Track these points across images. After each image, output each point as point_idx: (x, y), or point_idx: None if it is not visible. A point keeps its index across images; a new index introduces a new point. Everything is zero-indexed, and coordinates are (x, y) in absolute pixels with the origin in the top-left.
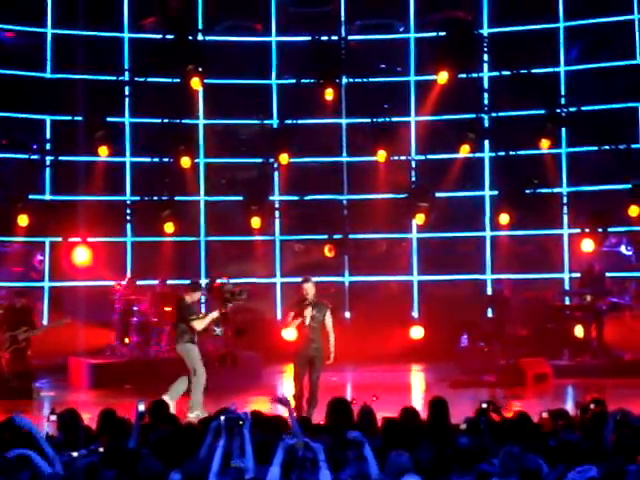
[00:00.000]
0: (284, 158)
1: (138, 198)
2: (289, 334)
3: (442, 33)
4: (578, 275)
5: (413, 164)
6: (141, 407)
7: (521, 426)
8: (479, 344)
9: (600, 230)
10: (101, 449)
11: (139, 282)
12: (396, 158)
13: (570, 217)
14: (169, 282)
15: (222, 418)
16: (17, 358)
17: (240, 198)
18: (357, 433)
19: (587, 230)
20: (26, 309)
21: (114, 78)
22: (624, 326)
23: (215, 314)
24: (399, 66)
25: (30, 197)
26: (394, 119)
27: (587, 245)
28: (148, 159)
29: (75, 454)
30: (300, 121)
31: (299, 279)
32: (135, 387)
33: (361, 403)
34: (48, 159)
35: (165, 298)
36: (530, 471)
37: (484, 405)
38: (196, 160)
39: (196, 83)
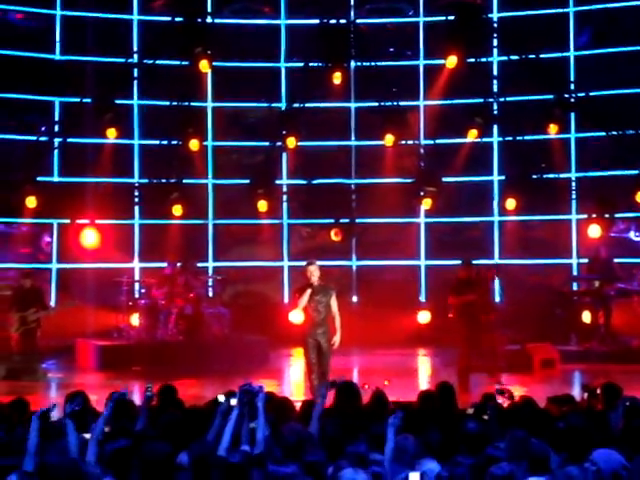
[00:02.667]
0: (292, 142)
1: (146, 180)
2: (296, 317)
3: (451, 17)
4: (586, 261)
5: (421, 149)
6: (149, 390)
7: (527, 411)
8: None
9: (608, 216)
10: (106, 429)
11: (147, 265)
12: (404, 142)
13: (578, 202)
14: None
15: (237, 392)
16: (26, 339)
17: (247, 181)
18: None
19: (595, 216)
20: (35, 289)
21: (123, 60)
22: (632, 312)
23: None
24: (408, 50)
25: (38, 179)
26: (402, 103)
27: (594, 231)
28: (156, 142)
29: (87, 436)
30: (308, 104)
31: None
32: (142, 369)
33: (373, 387)
34: (57, 141)
35: (172, 280)
36: (537, 456)
37: (497, 389)
38: (204, 143)
39: (205, 66)
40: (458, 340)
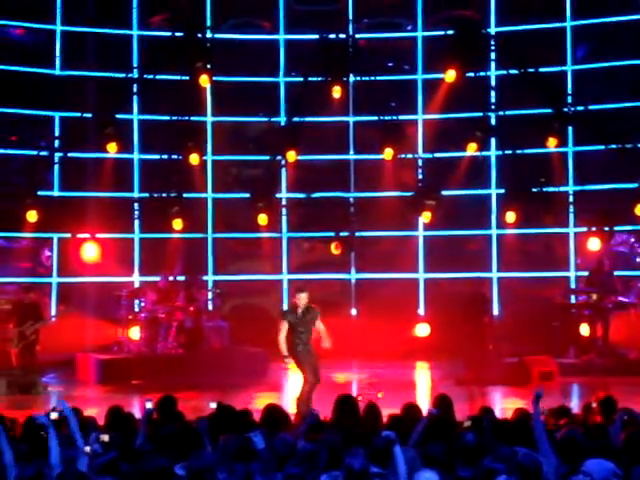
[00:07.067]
0: (291, 155)
1: (146, 195)
2: None
3: (450, 32)
4: (586, 273)
5: (420, 162)
6: (149, 404)
7: (523, 424)
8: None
9: (606, 229)
10: (105, 437)
11: (147, 278)
12: (403, 156)
13: (576, 216)
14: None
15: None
16: (26, 353)
17: (247, 195)
18: (391, 432)
19: (593, 229)
20: (35, 304)
21: (123, 75)
22: (629, 325)
23: None
24: (406, 64)
25: (39, 193)
26: (401, 117)
27: (594, 244)
28: (156, 156)
29: (87, 449)
30: (307, 119)
31: (305, 276)
32: (142, 383)
33: (367, 400)
34: (57, 156)
35: (167, 293)
36: (529, 469)
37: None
38: (204, 157)
39: (204, 80)
40: None
